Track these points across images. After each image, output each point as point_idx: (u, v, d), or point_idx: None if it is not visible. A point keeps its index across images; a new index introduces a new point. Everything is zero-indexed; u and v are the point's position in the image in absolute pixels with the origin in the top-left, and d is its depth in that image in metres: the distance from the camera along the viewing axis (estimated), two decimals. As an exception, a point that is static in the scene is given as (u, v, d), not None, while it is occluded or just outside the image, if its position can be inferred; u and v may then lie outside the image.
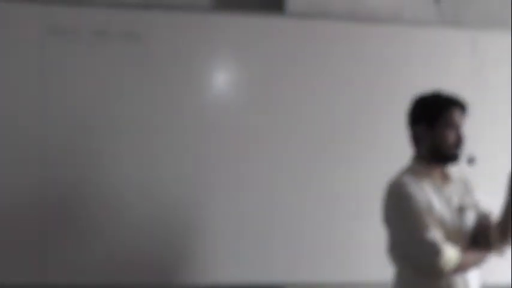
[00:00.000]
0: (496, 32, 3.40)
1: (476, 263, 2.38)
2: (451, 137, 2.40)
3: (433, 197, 2.39)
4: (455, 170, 2.50)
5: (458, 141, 2.40)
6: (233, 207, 3.13)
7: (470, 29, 3.41)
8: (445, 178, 2.46)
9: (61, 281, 2.99)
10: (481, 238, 2.41)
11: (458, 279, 2.34)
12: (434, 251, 2.25)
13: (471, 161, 2.41)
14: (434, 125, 2.41)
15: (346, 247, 3.20)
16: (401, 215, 2.36)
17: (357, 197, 3.22)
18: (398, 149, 3.20)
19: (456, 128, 2.41)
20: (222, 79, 3.20)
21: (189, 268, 3.10)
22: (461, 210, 2.42)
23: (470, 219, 2.43)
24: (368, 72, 3.29)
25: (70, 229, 3.01)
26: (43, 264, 2.98)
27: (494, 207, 2.46)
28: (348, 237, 3.21)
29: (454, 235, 2.35)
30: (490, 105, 3.25)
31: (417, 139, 2.47)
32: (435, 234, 2.28)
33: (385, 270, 3.00)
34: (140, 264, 3.05)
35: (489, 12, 3.54)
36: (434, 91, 2.47)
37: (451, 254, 2.27)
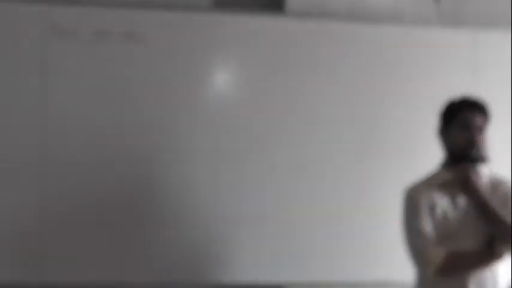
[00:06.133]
0: (496, 31, 3.40)
1: (478, 265, 2.37)
2: (463, 138, 2.42)
3: (446, 205, 2.41)
4: (486, 174, 2.51)
5: (471, 143, 2.42)
6: (232, 207, 3.13)
7: (470, 29, 3.41)
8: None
9: (61, 281, 3.00)
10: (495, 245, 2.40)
11: (487, 275, 2.36)
12: (419, 254, 2.37)
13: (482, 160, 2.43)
14: (449, 128, 2.46)
15: (347, 247, 3.20)
16: (403, 220, 2.46)
17: (359, 197, 3.22)
18: (399, 148, 3.22)
19: (471, 129, 2.42)
20: (222, 79, 3.20)
21: (188, 268, 3.10)
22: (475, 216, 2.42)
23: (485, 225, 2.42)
24: (368, 71, 3.29)
25: (70, 229, 3.02)
26: (43, 264, 2.99)
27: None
28: (349, 237, 3.21)
29: (464, 241, 2.38)
30: (490, 105, 3.24)
31: (441, 143, 2.52)
32: (424, 240, 2.35)
33: (385, 270, 3.01)
34: (139, 264, 3.06)
35: (489, 12, 3.53)
36: (460, 96, 2.50)
37: (433, 255, 2.32)
